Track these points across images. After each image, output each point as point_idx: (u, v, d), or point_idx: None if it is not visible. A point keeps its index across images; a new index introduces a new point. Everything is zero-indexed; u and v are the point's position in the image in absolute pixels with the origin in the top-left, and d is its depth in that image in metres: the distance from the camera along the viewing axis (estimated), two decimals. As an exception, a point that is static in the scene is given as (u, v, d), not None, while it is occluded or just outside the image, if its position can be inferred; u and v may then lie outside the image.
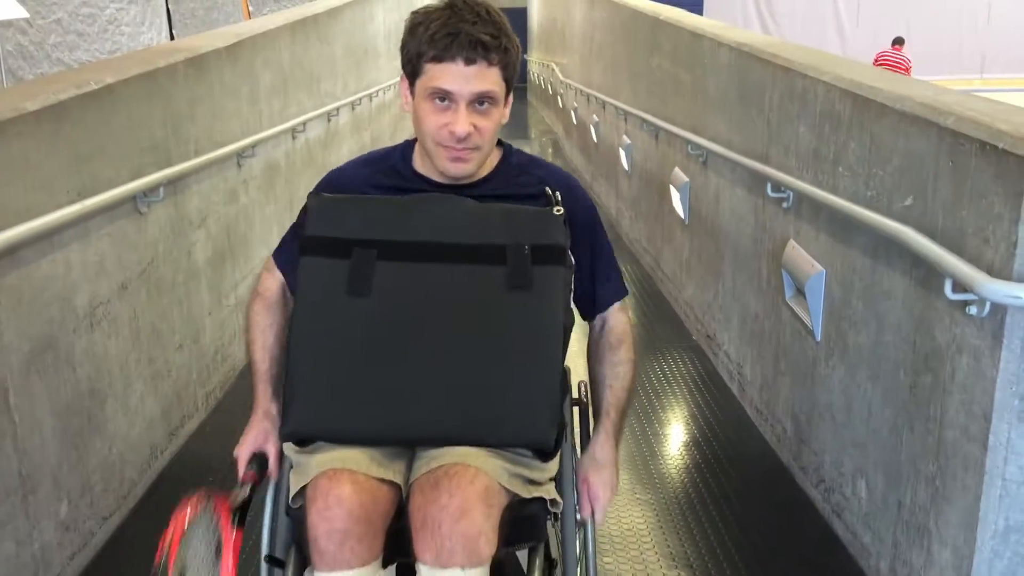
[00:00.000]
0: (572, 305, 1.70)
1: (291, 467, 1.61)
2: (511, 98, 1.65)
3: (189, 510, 1.49)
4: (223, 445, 3.23)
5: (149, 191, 2.94)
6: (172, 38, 9.66)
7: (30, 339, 2.28)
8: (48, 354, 2.37)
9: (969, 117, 1.93)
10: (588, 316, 1.80)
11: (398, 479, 1.52)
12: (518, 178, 1.71)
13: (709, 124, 4.01)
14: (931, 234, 2.02)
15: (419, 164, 1.70)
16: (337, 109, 6.30)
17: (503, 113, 1.62)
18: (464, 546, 1.40)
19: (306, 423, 1.53)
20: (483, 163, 1.65)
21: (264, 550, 1.66)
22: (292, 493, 1.54)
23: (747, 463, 3.13)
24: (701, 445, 3.26)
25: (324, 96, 6.06)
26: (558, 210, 1.61)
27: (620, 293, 1.80)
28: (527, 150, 1.77)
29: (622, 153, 6.14)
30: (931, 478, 2.07)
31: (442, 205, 1.60)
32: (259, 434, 1.68)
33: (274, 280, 1.79)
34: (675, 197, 4.55)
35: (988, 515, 1.87)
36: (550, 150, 11.21)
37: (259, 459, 1.65)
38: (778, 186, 3.00)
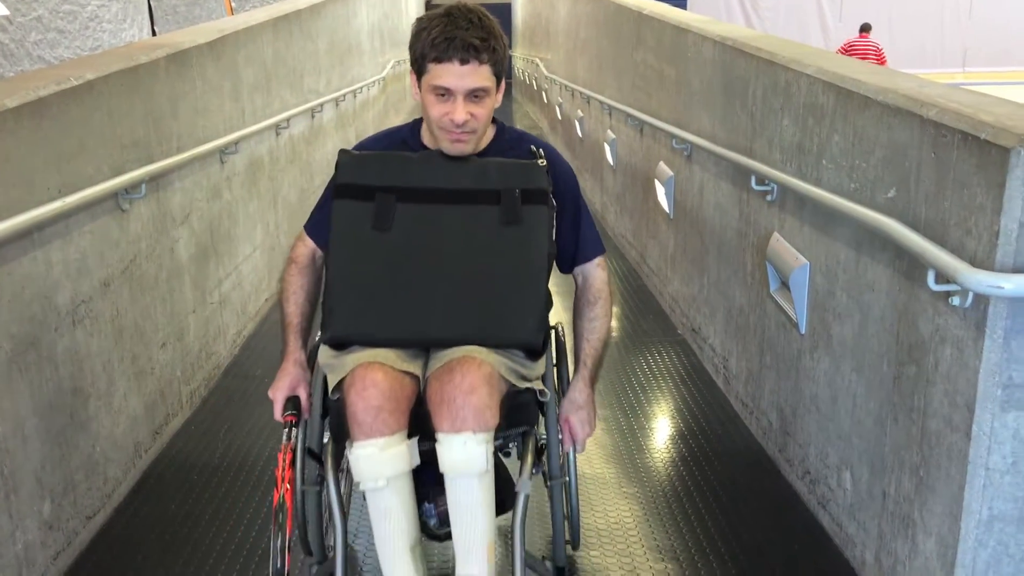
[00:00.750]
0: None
1: (324, 375, 1.94)
2: (503, 85, 1.95)
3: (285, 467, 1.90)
4: (208, 443, 3.23)
5: (131, 188, 2.92)
6: (154, 34, 9.59)
7: (12, 337, 2.26)
8: (30, 352, 2.35)
9: (951, 109, 1.93)
10: (567, 270, 2.13)
11: (417, 372, 1.88)
12: (511, 150, 2.03)
13: (693, 118, 4.01)
14: (914, 225, 2.03)
15: (426, 139, 2.03)
16: (321, 105, 6.27)
17: (496, 99, 1.94)
18: (474, 416, 1.76)
19: (344, 330, 1.90)
20: (479, 142, 1.98)
21: (302, 445, 2.00)
22: (331, 387, 1.87)
23: (733, 456, 3.14)
24: (687, 438, 3.26)
25: (308, 92, 6.04)
26: (542, 162, 1.98)
27: (597, 250, 2.12)
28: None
29: (607, 148, 6.14)
30: (915, 468, 2.08)
31: (447, 160, 1.95)
32: (292, 379, 1.98)
33: (305, 248, 2.11)
34: (660, 191, 4.55)
35: (972, 504, 1.88)
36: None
37: (293, 401, 1.97)
38: (762, 179, 3.01)
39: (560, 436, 2.06)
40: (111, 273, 2.84)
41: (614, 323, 4.60)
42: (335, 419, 1.93)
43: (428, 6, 18.17)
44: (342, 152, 2.00)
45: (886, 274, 2.20)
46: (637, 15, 5.34)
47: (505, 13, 17.92)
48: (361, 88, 8.40)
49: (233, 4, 10.27)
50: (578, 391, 2.06)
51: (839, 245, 2.48)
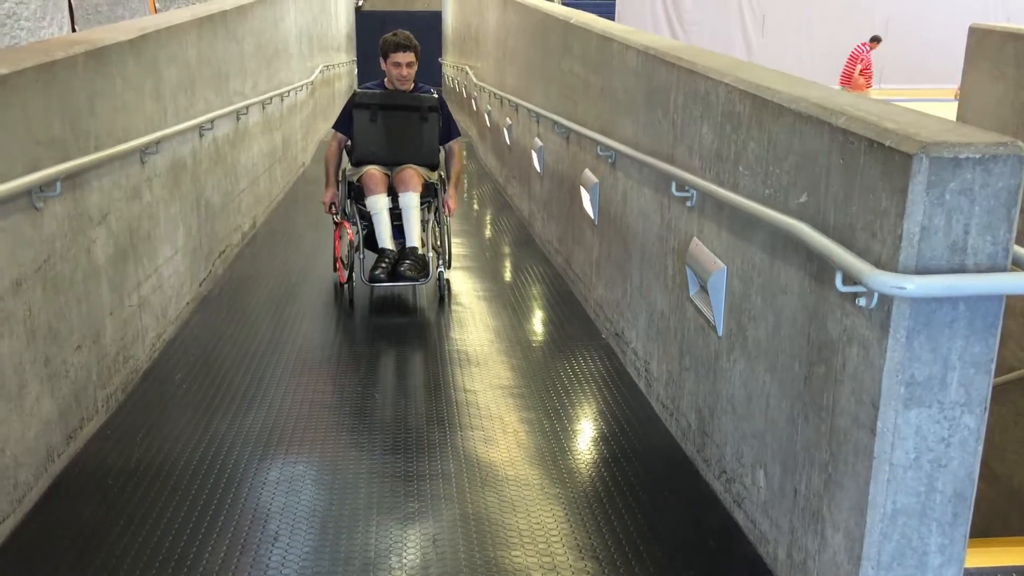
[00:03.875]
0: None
1: (348, 180, 4.94)
2: (418, 59, 4.85)
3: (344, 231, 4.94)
4: (124, 448, 3.17)
5: (45, 186, 2.86)
6: (74, 32, 9.34)
7: (-84, 336, 2.19)
8: (-65, 352, 2.28)
9: (859, 117, 2.01)
10: (443, 143, 5.01)
11: (390, 174, 4.83)
12: (422, 90, 4.98)
13: (618, 126, 4.08)
14: (824, 229, 2.10)
15: (388, 85, 4.91)
16: (247, 108, 6.20)
17: (415, 66, 4.84)
18: (412, 186, 4.75)
19: (361, 158, 4.90)
20: (411, 84, 4.90)
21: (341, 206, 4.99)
22: (355, 179, 4.84)
23: (653, 457, 3.19)
24: (609, 440, 3.31)
25: (233, 94, 5.96)
26: (435, 96, 4.98)
27: (457, 135, 5.08)
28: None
29: (534, 155, 6.19)
30: (824, 465, 2.15)
31: (399, 92, 4.90)
32: (333, 193, 4.93)
33: (336, 140, 4.96)
34: (585, 198, 4.61)
35: (877, 499, 1.95)
36: (464, 153, 11.19)
37: (333, 204, 4.94)
38: (682, 185, 3.07)
39: (443, 205, 4.99)
40: (24, 272, 2.76)
41: (539, 328, 4.65)
42: (356, 193, 4.79)
43: (357, 12, 18.10)
44: (356, 90, 4.91)
45: (798, 277, 2.27)
46: (565, 25, 5.40)
47: (436, 21, 17.94)
48: (288, 92, 8.32)
49: (158, 6, 10.07)
50: (451, 190, 4.98)
51: (754, 249, 2.54)
